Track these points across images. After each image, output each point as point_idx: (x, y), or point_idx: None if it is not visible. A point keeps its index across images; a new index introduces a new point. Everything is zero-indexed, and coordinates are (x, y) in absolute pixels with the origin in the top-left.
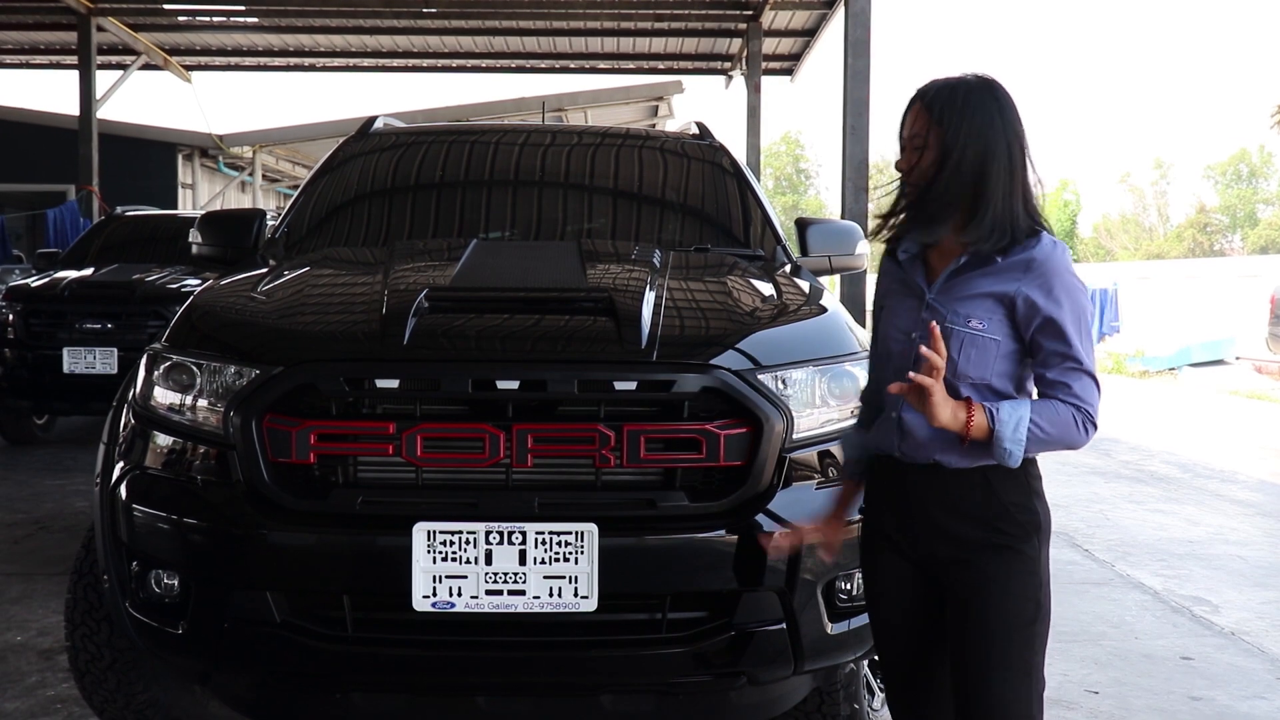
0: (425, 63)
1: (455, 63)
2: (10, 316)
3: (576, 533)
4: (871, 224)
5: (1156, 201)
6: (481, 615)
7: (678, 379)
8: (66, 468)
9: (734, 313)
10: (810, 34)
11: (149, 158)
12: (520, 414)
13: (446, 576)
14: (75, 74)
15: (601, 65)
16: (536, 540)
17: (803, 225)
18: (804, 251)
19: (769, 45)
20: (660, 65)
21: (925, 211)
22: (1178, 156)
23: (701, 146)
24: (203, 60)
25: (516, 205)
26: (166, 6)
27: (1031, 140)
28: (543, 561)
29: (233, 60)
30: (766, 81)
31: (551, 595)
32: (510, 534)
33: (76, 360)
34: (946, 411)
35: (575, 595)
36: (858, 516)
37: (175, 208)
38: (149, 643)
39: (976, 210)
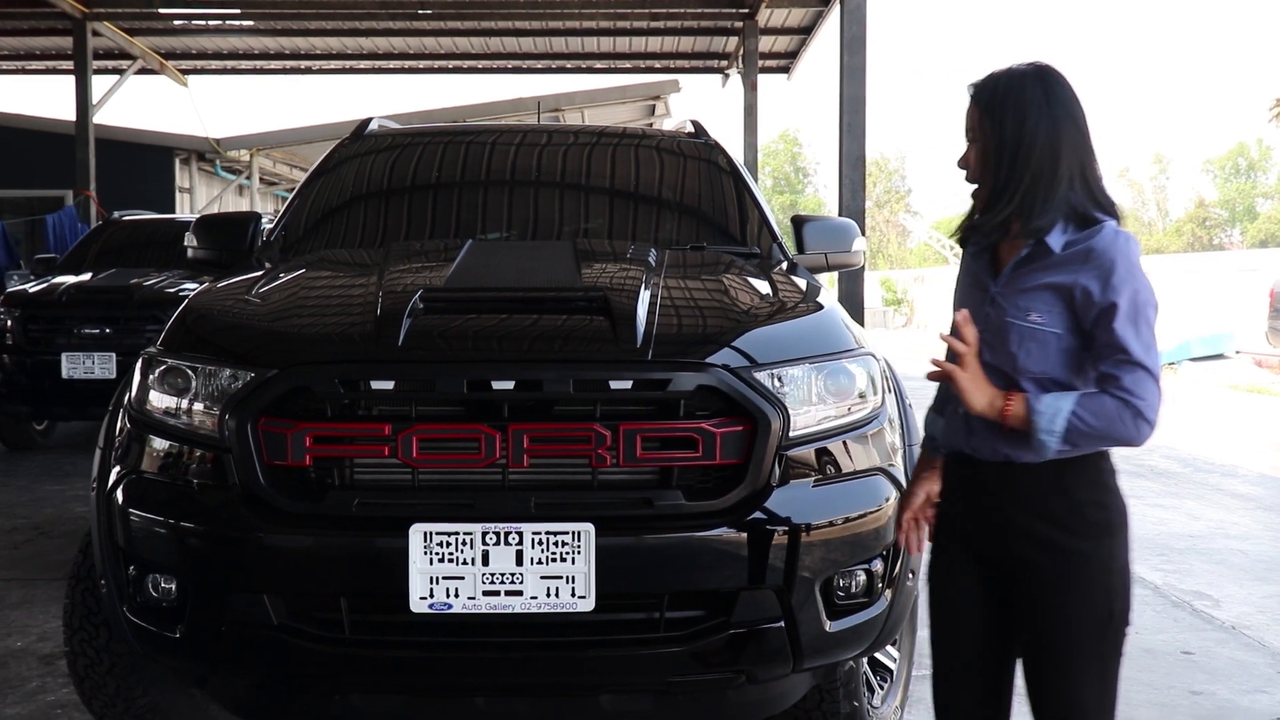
0: (422, 64)
1: (451, 64)
2: (9, 322)
3: (573, 533)
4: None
5: (1156, 196)
6: (479, 616)
7: (673, 377)
8: (66, 473)
9: (730, 310)
10: (806, 31)
11: (146, 162)
12: (516, 414)
13: (443, 578)
14: (72, 79)
15: (598, 65)
16: (533, 540)
17: (799, 223)
18: (800, 249)
19: (765, 43)
20: (656, 64)
21: (986, 208)
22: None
23: (697, 145)
24: (199, 64)
25: (512, 205)
26: (162, 11)
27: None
28: (540, 562)
29: (229, 64)
30: (763, 80)
31: (549, 595)
32: (507, 534)
33: (75, 365)
34: (982, 398)
35: (573, 595)
36: (862, 510)
37: (173, 212)
38: (147, 647)
39: (1031, 201)
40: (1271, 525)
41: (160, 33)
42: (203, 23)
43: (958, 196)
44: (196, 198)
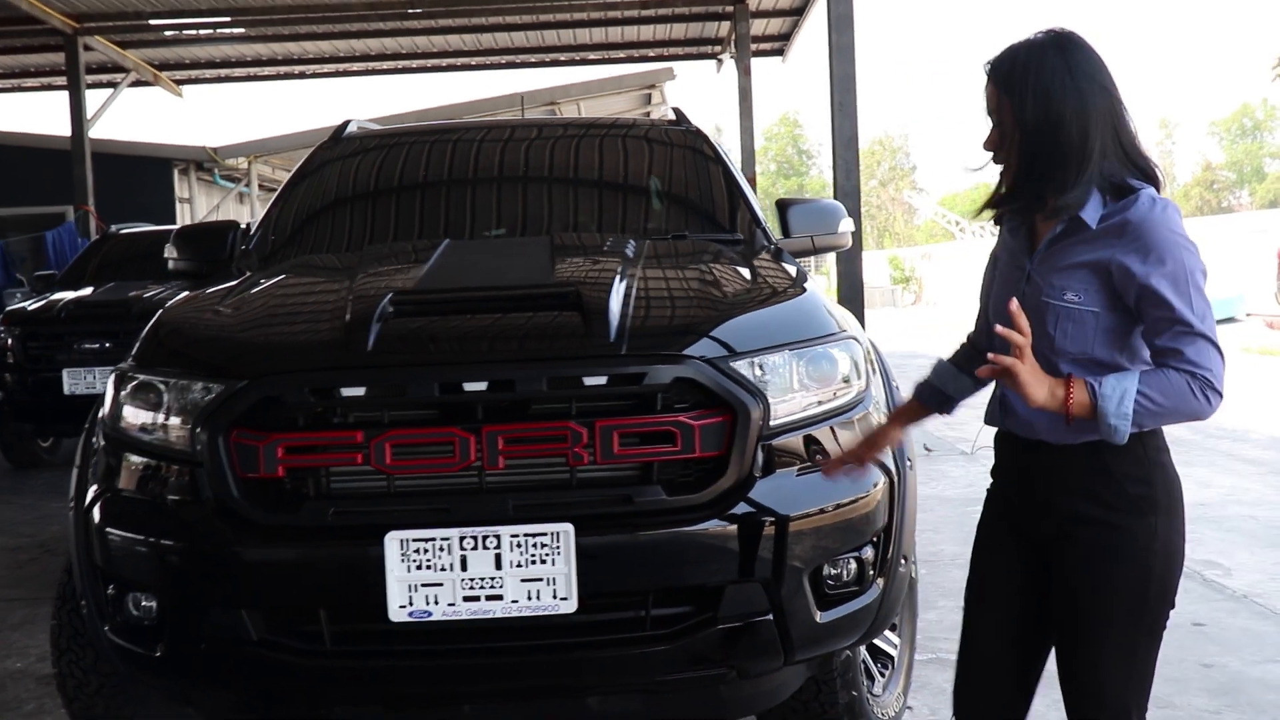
0: (414, 64)
1: (445, 62)
2: (9, 341)
3: (552, 533)
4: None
5: (1163, 161)
6: (460, 622)
7: (649, 371)
8: None
9: (708, 299)
10: (798, 13)
11: (145, 174)
12: (490, 415)
13: (422, 585)
14: (67, 95)
15: (591, 56)
16: (512, 543)
17: (783, 206)
18: (786, 233)
19: (757, 26)
20: (650, 53)
21: (1014, 186)
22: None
23: (678, 132)
24: (192, 74)
25: (494, 202)
26: (153, 22)
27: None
28: (519, 564)
29: (222, 72)
30: (758, 63)
31: (530, 598)
32: (485, 538)
33: (76, 381)
34: (1042, 391)
35: (554, 597)
36: (849, 497)
37: (174, 222)
38: (130, 667)
39: (1062, 178)
40: None
41: (152, 44)
42: (194, 32)
43: (964, 172)
44: (197, 207)
